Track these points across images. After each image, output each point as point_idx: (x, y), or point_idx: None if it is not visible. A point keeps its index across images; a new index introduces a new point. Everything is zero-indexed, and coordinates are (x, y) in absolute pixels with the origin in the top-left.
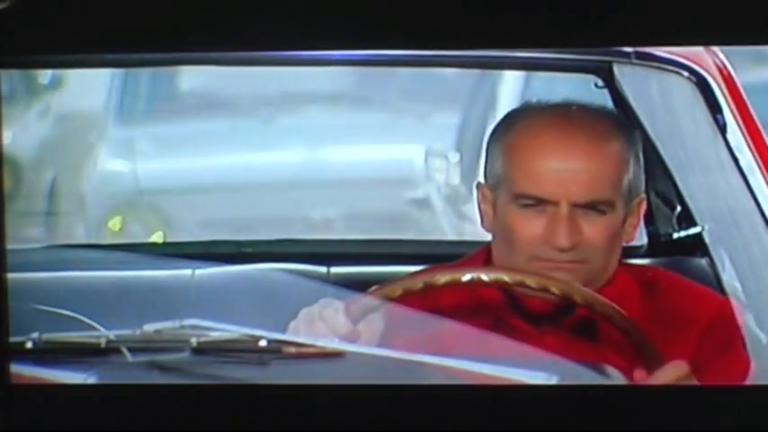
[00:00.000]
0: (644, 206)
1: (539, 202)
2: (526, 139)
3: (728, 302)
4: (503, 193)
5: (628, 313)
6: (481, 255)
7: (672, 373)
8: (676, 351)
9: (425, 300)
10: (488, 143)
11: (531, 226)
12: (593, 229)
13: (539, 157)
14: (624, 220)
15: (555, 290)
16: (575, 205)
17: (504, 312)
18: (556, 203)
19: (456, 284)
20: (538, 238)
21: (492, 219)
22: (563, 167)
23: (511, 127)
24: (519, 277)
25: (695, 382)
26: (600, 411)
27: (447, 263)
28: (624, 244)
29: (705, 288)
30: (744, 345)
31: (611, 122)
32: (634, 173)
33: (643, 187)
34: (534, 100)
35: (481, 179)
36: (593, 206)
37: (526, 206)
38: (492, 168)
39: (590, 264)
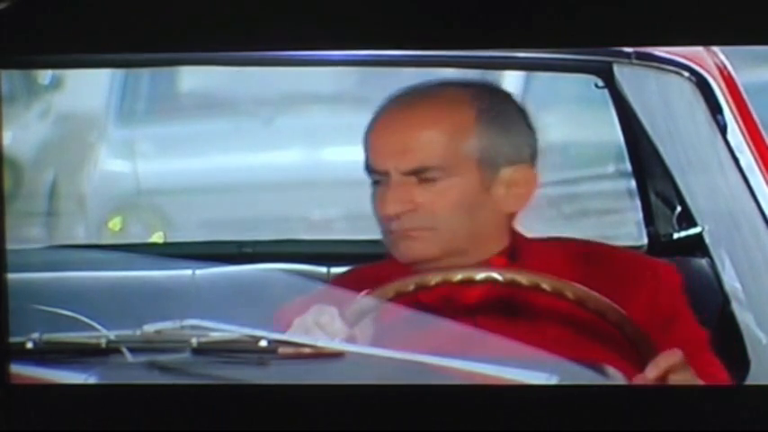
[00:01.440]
0: (533, 176)
1: (377, 175)
2: (374, 119)
3: (664, 269)
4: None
5: None
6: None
7: (666, 361)
8: None
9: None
10: None
11: (375, 201)
12: (428, 195)
13: (373, 132)
14: (487, 188)
15: (546, 287)
16: (404, 173)
17: (441, 309)
18: (386, 173)
19: (448, 284)
20: (378, 212)
21: None
22: (393, 138)
23: (377, 110)
24: (509, 275)
25: (690, 370)
26: (600, 411)
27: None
28: (507, 213)
29: (641, 256)
30: (690, 311)
31: (461, 92)
32: (491, 140)
33: (520, 157)
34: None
35: None
36: (419, 173)
37: (374, 183)
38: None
39: (439, 231)
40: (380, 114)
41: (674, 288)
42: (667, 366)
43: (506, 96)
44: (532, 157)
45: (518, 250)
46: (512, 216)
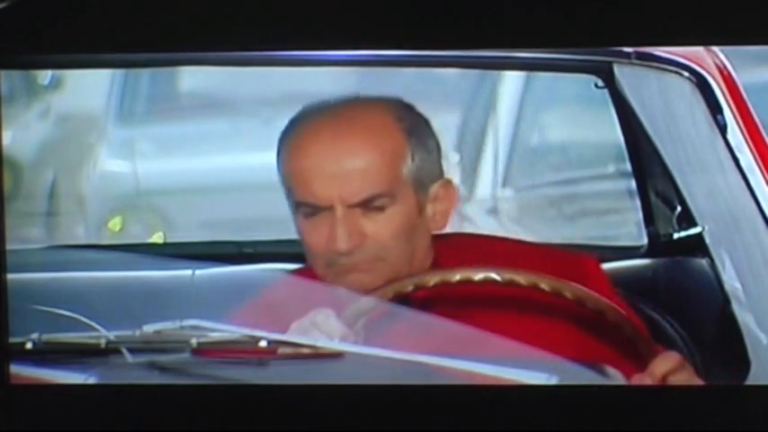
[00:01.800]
0: (453, 190)
1: (315, 210)
2: (296, 147)
3: (585, 262)
4: (290, 202)
5: None
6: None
7: (665, 364)
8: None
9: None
10: (277, 151)
11: (315, 234)
12: (376, 225)
13: (307, 163)
14: (421, 210)
15: (545, 287)
16: (350, 206)
17: (440, 310)
18: (330, 208)
19: (446, 284)
20: (321, 246)
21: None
22: (330, 170)
23: (287, 135)
24: (508, 275)
25: (690, 371)
26: (600, 411)
27: None
28: (435, 231)
29: (560, 253)
30: (616, 298)
31: (385, 113)
32: (421, 159)
33: (443, 172)
34: (315, 102)
35: None
36: (368, 203)
37: (307, 215)
38: (281, 180)
39: (388, 261)
40: (297, 138)
41: (599, 279)
42: (664, 372)
43: (417, 112)
44: (445, 172)
45: (438, 262)
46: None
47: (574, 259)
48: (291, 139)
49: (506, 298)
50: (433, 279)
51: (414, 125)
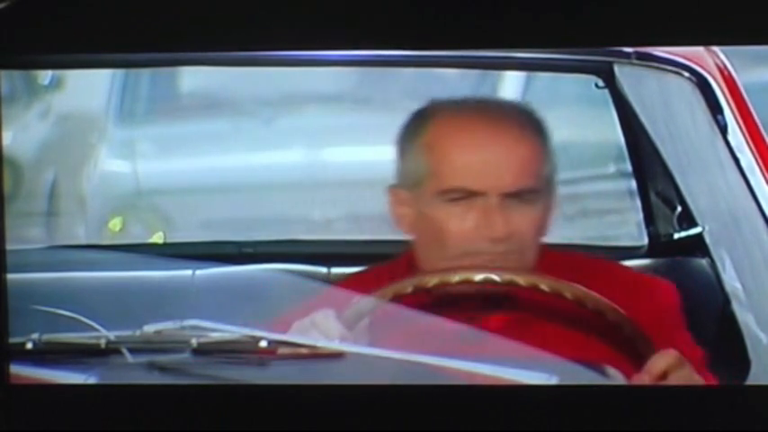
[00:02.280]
0: (557, 200)
1: (467, 195)
2: (447, 134)
3: (664, 288)
4: (426, 191)
5: None
6: (403, 260)
7: (660, 365)
8: None
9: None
10: (401, 146)
11: (461, 221)
12: (523, 218)
13: (464, 150)
14: (549, 211)
15: (545, 287)
16: (504, 195)
17: (440, 311)
18: (484, 194)
19: (446, 286)
20: (470, 232)
21: (413, 220)
22: (489, 158)
23: (425, 124)
24: (507, 276)
25: (689, 368)
26: (600, 411)
27: None
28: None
29: (642, 275)
30: (686, 331)
31: (526, 115)
32: (551, 163)
33: (555, 180)
34: (439, 98)
35: (393, 181)
36: (520, 195)
37: (454, 200)
38: (409, 169)
39: (521, 254)
40: (453, 128)
41: (672, 307)
42: (662, 369)
43: (541, 119)
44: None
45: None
46: None
47: (651, 282)
48: (432, 130)
49: (506, 299)
50: (432, 280)
51: (544, 129)
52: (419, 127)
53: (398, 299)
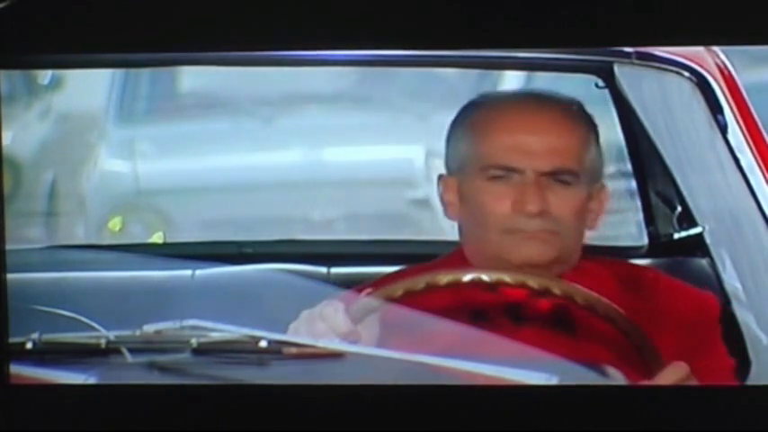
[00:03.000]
0: (607, 197)
1: (506, 172)
2: (492, 117)
3: (707, 299)
4: (469, 172)
5: None
6: (458, 254)
7: (673, 375)
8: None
9: (410, 303)
10: (450, 133)
11: (499, 196)
12: (559, 198)
13: (505, 130)
14: (590, 199)
15: (557, 291)
16: (541, 174)
17: (481, 310)
18: (522, 172)
19: (457, 284)
20: (507, 208)
21: (458, 206)
22: (528, 138)
23: (474, 112)
24: (520, 278)
25: (695, 381)
26: (600, 411)
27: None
28: (587, 231)
29: (684, 284)
30: (721, 341)
31: (573, 108)
32: (595, 156)
33: (603, 177)
34: (490, 90)
35: (442, 171)
36: (557, 174)
37: (494, 178)
38: (455, 153)
39: (560, 236)
40: (500, 111)
41: (711, 318)
42: (675, 381)
43: (591, 116)
44: (604, 177)
45: (578, 267)
46: None
47: (693, 293)
48: (480, 114)
49: (516, 301)
50: (445, 278)
51: (591, 124)
52: (467, 113)
53: (409, 296)
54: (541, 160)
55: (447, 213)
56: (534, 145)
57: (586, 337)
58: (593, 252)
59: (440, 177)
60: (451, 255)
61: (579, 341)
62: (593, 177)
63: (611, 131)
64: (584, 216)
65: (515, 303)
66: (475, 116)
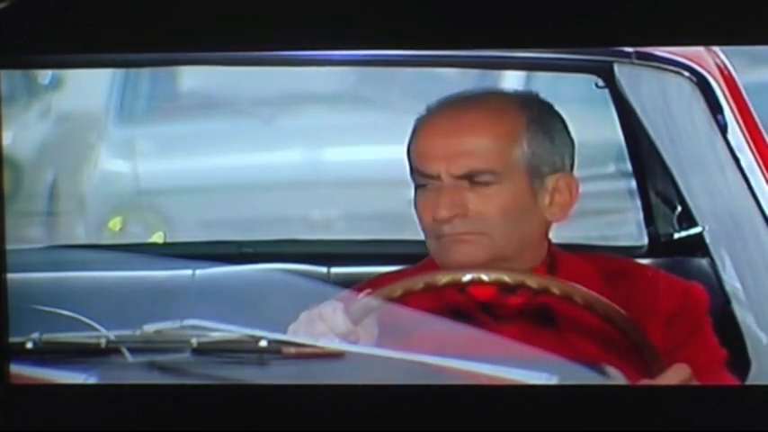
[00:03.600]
0: (574, 185)
1: (426, 178)
2: (423, 123)
3: (693, 289)
4: (412, 179)
5: None
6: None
7: (675, 377)
8: None
9: (409, 303)
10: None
11: (423, 204)
12: (480, 199)
13: (425, 135)
14: (533, 195)
15: (555, 290)
16: (456, 177)
17: (463, 309)
18: (438, 177)
19: (456, 284)
20: (424, 214)
21: None
22: (442, 141)
23: (419, 119)
24: (520, 278)
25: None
26: (600, 411)
27: None
28: (555, 223)
29: (670, 276)
30: (712, 332)
31: (510, 101)
32: (539, 148)
33: (563, 165)
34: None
35: None
36: (472, 176)
37: (420, 186)
38: (408, 155)
39: (490, 236)
40: (427, 119)
41: (699, 308)
42: (677, 382)
43: (550, 106)
44: (572, 167)
45: (555, 262)
46: (550, 225)
47: (680, 284)
48: (420, 118)
49: (514, 301)
50: (444, 278)
51: (538, 116)
52: (418, 119)
53: (408, 296)
54: (454, 163)
55: None
56: (449, 148)
57: (585, 334)
58: (590, 250)
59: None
60: (429, 260)
61: (578, 339)
62: (542, 171)
63: (610, 131)
64: (525, 212)
65: (489, 303)
66: (417, 123)
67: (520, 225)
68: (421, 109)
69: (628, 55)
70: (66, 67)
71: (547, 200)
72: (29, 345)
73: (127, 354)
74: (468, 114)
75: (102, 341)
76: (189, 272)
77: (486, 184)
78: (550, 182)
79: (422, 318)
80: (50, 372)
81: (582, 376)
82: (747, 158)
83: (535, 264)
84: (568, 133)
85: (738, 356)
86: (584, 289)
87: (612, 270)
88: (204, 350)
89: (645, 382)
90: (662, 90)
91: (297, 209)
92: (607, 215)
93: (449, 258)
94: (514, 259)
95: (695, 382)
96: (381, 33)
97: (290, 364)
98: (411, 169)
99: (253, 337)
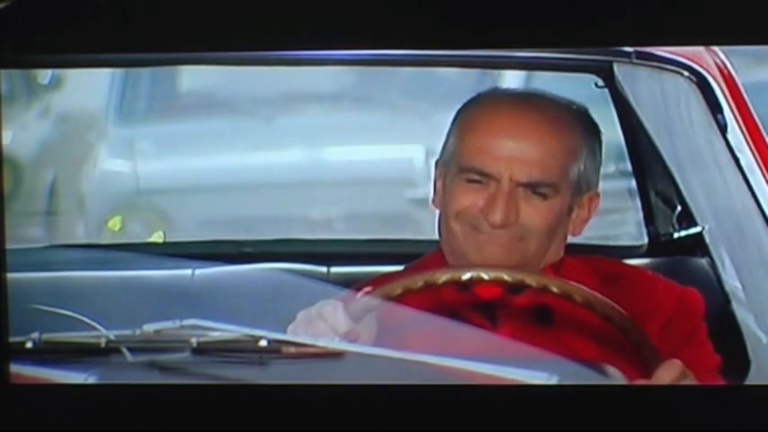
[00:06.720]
0: (597, 204)
1: (482, 177)
2: (481, 116)
3: (689, 294)
4: (452, 168)
5: None
6: (438, 254)
7: (667, 374)
8: None
9: (408, 301)
10: (451, 122)
11: (472, 198)
12: (533, 211)
13: (488, 132)
14: (570, 211)
15: (554, 289)
16: (517, 184)
17: (459, 309)
18: (498, 179)
19: (455, 283)
20: (476, 209)
21: (441, 195)
22: (509, 145)
23: (470, 107)
24: (519, 276)
25: (691, 377)
26: (600, 411)
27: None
28: (570, 237)
29: (666, 280)
30: (707, 338)
31: (572, 114)
32: (587, 166)
33: (596, 185)
34: (503, 87)
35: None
36: (534, 187)
37: (471, 181)
38: (447, 145)
39: (526, 243)
40: (482, 114)
41: (695, 313)
42: (671, 379)
43: (594, 121)
44: (598, 183)
45: (560, 265)
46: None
47: (676, 289)
48: (474, 109)
49: (514, 300)
50: (443, 277)
51: (589, 133)
52: (466, 107)
53: (408, 294)
54: (519, 169)
55: (434, 201)
56: (514, 151)
57: (584, 333)
58: (589, 251)
59: (436, 163)
60: (431, 255)
61: (577, 338)
62: (583, 188)
63: (610, 131)
64: (561, 226)
65: (494, 302)
66: (469, 112)
67: (552, 237)
68: (461, 100)
69: (627, 55)
70: (66, 67)
71: (575, 215)
72: (29, 344)
73: (127, 353)
74: (530, 119)
75: (102, 341)
76: (189, 272)
77: (544, 196)
78: (585, 199)
79: (421, 317)
80: (50, 372)
81: (581, 376)
82: (747, 158)
83: (546, 265)
84: (601, 149)
85: (738, 356)
86: (584, 288)
87: (608, 273)
88: (204, 350)
89: (644, 381)
90: (662, 90)
91: (297, 209)
92: (607, 215)
93: (477, 253)
94: (530, 264)
95: (689, 378)
96: (381, 33)
97: (289, 363)
98: (454, 161)
99: (252, 336)
